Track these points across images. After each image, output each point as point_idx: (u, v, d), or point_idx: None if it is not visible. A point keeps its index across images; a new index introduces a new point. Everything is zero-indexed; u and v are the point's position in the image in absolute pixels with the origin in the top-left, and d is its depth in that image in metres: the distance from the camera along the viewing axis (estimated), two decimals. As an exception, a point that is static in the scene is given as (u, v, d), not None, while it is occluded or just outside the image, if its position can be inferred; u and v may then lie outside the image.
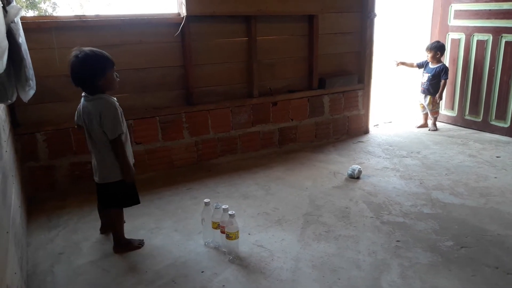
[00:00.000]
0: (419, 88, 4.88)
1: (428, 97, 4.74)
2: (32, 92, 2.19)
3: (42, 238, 2.57)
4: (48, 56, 3.07)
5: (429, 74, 4.69)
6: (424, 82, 4.74)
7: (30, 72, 2.11)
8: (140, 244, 2.46)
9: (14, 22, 1.86)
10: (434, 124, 4.81)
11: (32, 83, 2.16)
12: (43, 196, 3.14)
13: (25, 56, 2.00)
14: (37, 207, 2.99)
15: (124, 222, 2.49)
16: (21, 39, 1.99)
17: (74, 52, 2.18)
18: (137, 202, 2.42)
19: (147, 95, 3.51)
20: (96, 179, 2.35)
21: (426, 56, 4.74)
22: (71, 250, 2.44)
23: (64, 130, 3.21)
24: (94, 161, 2.35)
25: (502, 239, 2.45)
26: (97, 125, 2.20)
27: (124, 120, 2.31)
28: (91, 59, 2.17)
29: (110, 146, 2.23)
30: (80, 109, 2.31)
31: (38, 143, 3.14)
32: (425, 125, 4.91)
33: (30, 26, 2.92)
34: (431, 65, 4.70)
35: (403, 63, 4.92)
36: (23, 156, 3.10)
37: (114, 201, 2.37)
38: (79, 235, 2.61)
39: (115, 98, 2.32)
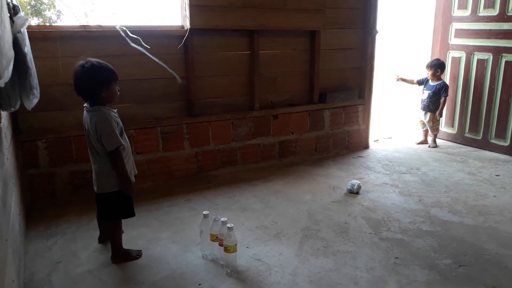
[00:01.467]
0: (419, 105, 4.91)
1: (429, 114, 4.77)
2: (36, 101, 2.22)
3: (40, 246, 2.57)
4: (52, 64, 3.10)
5: (429, 91, 4.72)
6: (424, 99, 4.78)
7: (35, 81, 2.14)
8: (138, 254, 2.46)
9: (21, 32, 1.89)
10: (434, 141, 4.83)
11: (36, 91, 2.18)
12: (42, 204, 3.14)
13: (30, 66, 2.03)
14: (36, 214, 2.99)
15: (123, 232, 2.50)
16: (27, 48, 2.02)
17: (81, 62, 2.20)
18: (131, 215, 2.42)
19: (149, 106, 3.53)
20: (95, 188, 2.37)
21: (426, 74, 4.78)
22: (69, 259, 2.43)
23: (66, 138, 3.22)
24: (94, 171, 2.36)
25: (500, 258, 2.44)
26: (95, 136, 2.22)
27: (124, 132, 2.34)
28: (97, 70, 2.19)
29: (108, 157, 2.24)
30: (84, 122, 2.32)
31: (39, 151, 3.15)
32: (425, 141, 4.93)
33: (35, 35, 2.96)
34: (431, 83, 4.74)
35: (403, 80, 4.96)
36: (24, 163, 3.11)
37: (111, 211, 2.38)
38: (78, 244, 2.60)
39: (115, 110, 2.35)
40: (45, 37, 3.05)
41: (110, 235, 2.48)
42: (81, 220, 2.92)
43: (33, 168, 3.16)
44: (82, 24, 3.24)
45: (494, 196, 3.36)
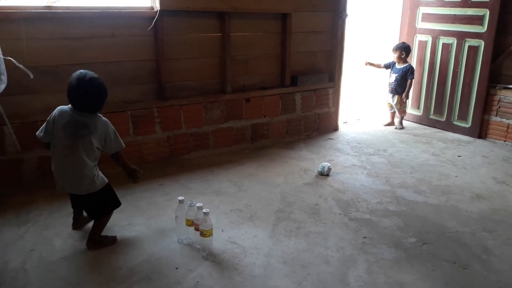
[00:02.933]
0: (386, 88, 5.04)
1: (396, 96, 4.91)
2: (3, 87, 2.16)
3: (12, 234, 2.53)
4: (16, 47, 2.97)
5: (396, 74, 4.85)
6: (392, 82, 4.91)
7: (2, 67, 2.06)
8: (113, 240, 2.47)
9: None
10: (401, 123, 4.99)
11: (4, 77, 2.12)
12: (10, 191, 3.07)
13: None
14: (4, 202, 2.92)
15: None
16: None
17: (86, 74, 2.26)
18: (119, 204, 2.50)
19: (118, 89, 3.46)
20: (74, 191, 2.37)
21: (392, 56, 4.90)
22: (43, 246, 2.41)
23: (32, 123, 3.12)
24: (65, 173, 2.30)
25: (460, 235, 2.61)
26: (97, 141, 2.30)
27: None
28: (104, 86, 2.34)
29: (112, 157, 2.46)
30: (61, 123, 2.27)
31: (5, 136, 3.06)
32: (392, 123, 5.09)
33: (-2, 16, 2.83)
34: (397, 66, 4.87)
35: (371, 64, 5.07)
36: (-11, 149, 3.02)
37: (101, 208, 2.41)
38: (50, 231, 2.58)
39: None
40: (8, 18, 2.92)
41: (98, 227, 2.42)
42: (52, 206, 2.88)
43: (-1, 154, 3.07)
44: (47, 4, 3.10)
45: (456, 176, 3.54)
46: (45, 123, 2.35)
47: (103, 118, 2.37)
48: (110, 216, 2.48)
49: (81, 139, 2.26)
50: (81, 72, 2.27)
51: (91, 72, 2.30)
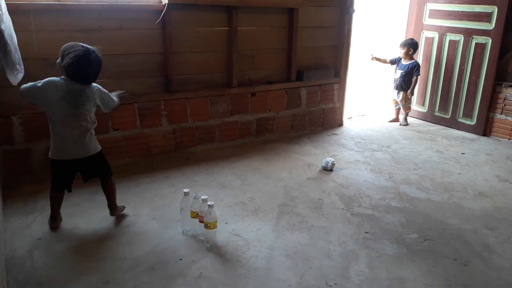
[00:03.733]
0: (392, 84, 5.04)
1: (401, 93, 4.91)
2: (21, 76, 2.20)
3: (20, 223, 2.58)
4: (26, 38, 3.01)
5: (402, 71, 4.85)
6: (397, 79, 4.90)
7: (17, 56, 2.11)
8: (123, 207, 2.78)
9: (-3, 8, 1.84)
10: (405, 119, 5.00)
11: (20, 67, 2.15)
12: (18, 180, 3.11)
13: (8, 41, 1.99)
14: (13, 191, 2.97)
15: None
16: (4, 25, 1.97)
17: (89, 48, 2.36)
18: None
19: (125, 82, 3.49)
20: (85, 154, 2.47)
21: (399, 52, 4.89)
22: (50, 235, 2.46)
23: (41, 114, 3.14)
24: (74, 140, 2.41)
25: (462, 233, 2.63)
26: (94, 104, 2.45)
27: None
28: (100, 58, 2.43)
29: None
30: (59, 95, 2.34)
31: (13, 127, 3.11)
32: (396, 119, 5.10)
33: (8, 7, 2.83)
34: (403, 62, 4.87)
35: (377, 59, 5.06)
36: (-2, 139, 3.07)
37: (108, 166, 2.63)
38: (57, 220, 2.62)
39: None
40: (18, 9, 2.94)
41: (114, 194, 2.68)
42: (60, 196, 2.92)
43: (8, 144, 3.11)
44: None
45: (459, 173, 3.56)
46: (31, 85, 2.33)
47: (93, 84, 2.47)
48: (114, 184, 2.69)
49: (82, 106, 2.39)
50: (83, 45, 2.36)
51: (88, 46, 2.39)
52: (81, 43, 2.37)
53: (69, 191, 2.59)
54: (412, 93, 4.91)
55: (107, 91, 2.54)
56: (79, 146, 2.44)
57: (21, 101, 3.06)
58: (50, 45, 3.12)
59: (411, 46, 4.79)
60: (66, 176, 2.52)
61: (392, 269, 2.25)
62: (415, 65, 4.80)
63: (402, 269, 2.25)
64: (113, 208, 2.68)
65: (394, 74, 4.97)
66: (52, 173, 2.50)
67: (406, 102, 4.94)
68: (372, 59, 5.06)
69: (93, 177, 2.60)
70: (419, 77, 4.83)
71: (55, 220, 2.56)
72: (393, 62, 5.01)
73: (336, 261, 2.31)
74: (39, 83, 2.35)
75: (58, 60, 2.39)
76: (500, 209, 2.95)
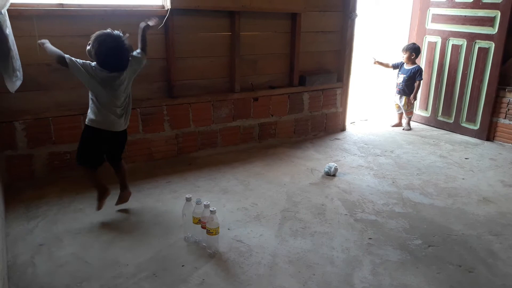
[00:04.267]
0: (394, 89, 5.03)
1: (404, 97, 4.90)
2: (19, 83, 2.20)
3: (21, 229, 2.57)
4: (29, 44, 3.01)
5: (404, 75, 4.84)
6: (400, 83, 4.89)
7: (18, 63, 2.11)
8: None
9: (1, 14, 1.85)
10: (408, 124, 4.98)
11: (20, 74, 2.16)
12: (20, 186, 3.12)
13: (12, 47, 1.99)
14: (15, 196, 2.97)
15: None
16: (8, 30, 1.98)
17: (116, 33, 2.47)
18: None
19: (128, 87, 3.50)
20: (123, 127, 2.66)
21: (402, 57, 4.88)
22: (52, 241, 2.45)
23: (44, 119, 3.18)
24: (119, 114, 2.60)
25: (466, 239, 2.60)
26: (130, 80, 2.62)
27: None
28: (128, 46, 2.56)
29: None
30: (98, 79, 2.48)
31: (16, 132, 3.11)
32: (399, 124, 5.08)
33: (11, 13, 2.83)
34: (406, 66, 4.86)
35: (380, 63, 5.05)
36: (1, 144, 3.07)
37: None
38: (59, 226, 2.62)
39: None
40: (21, 15, 2.95)
41: (126, 173, 2.84)
42: (62, 201, 2.92)
43: (10, 149, 3.11)
44: (60, 2, 3.13)
45: (463, 179, 3.54)
46: (73, 60, 2.44)
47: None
48: None
49: (119, 87, 2.54)
50: (113, 36, 2.45)
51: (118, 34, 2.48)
52: (111, 33, 2.46)
53: (101, 164, 2.71)
54: (415, 98, 4.89)
55: (133, 54, 2.64)
56: (119, 121, 2.60)
57: (23, 107, 3.11)
58: (53, 51, 3.14)
59: (413, 50, 4.78)
60: (101, 150, 2.66)
61: (396, 275, 2.23)
62: (417, 70, 4.79)
63: (406, 275, 2.23)
64: (126, 186, 2.83)
65: (397, 78, 4.96)
66: (88, 147, 2.61)
67: (409, 107, 4.93)
68: (375, 63, 5.05)
69: (117, 154, 2.75)
70: (421, 81, 4.82)
71: (103, 196, 2.72)
72: (395, 66, 5.00)
73: (339, 267, 2.29)
74: (79, 61, 2.45)
75: (88, 48, 2.49)
76: (504, 214, 2.93)
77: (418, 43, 4.90)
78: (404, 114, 5.01)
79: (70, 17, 3.14)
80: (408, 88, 4.84)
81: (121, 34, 2.49)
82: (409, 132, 4.87)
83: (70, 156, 3.30)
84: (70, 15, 3.13)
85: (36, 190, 3.08)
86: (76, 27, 3.16)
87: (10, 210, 2.79)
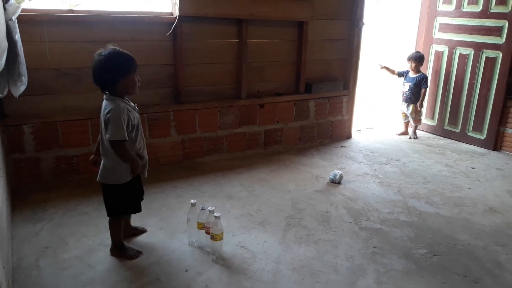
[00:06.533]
0: (400, 97, 5.03)
1: (411, 105, 4.89)
2: (23, 88, 2.22)
3: (27, 231, 2.59)
4: (39, 49, 3.07)
5: (410, 83, 4.84)
6: (406, 91, 4.89)
7: (23, 68, 2.14)
8: (136, 255, 2.37)
9: (12, 20, 1.88)
10: (415, 132, 4.97)
11: (25, 79, 2.19)
12: (27, 189, 3.15)
13: (20, 53, 2.03)
14: (21, 199, 3.00)
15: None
16: (17, 36, 2.01)
17: (100, 50, 2.12)
18: (134, 210, 2.45)
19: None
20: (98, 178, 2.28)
21: (408, 66, 4.88)
22: (57, 244, 2.47)
23: (52, 123, 3.21)
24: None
25: (472, 249, 2.58)
26: (104, 125, 2.16)
27: (140, 128, 2.30)
28: (114, 58, 2.11)
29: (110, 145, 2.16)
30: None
31: (24, 135, 3.14)
32: (405, 133, 5.07)
33: (22, 18, 2.88)
34: (411, 75, 4.86)
35: (387, 68, 5.05)
36: (9, 147, 3.10)
37: (109, 205, 2.31)
38: (65, 229, 2.63)
39: (134, 105, 2.29)
40: (32, 20, 3.00)
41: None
42: (68, 205, 2.95)
43: (18, 152, 3.15)
44: (70, 8, 3.18)
45: (469, 188, 3.51)
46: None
47: (117, 101, 2.14)
48: (117, 221, 2.40)
49: (101, 126, 2.22)
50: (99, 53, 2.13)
51: (111, 46, 2.16)
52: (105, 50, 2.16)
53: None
54: (421, 105, 4.89)
55: (115, 119, 2.10)
56: (100, 169, 2.29)
57: (31, 111, 3.15)
58: (62, 56, 3.19)
59: (418, 59, 4.79)
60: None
61: (401, 285, 2.21)
62: (423, 78, 4.79)
63: (411, 285, 2.22)
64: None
65: (403, 87, 4.96)
66: (126, 197, 2.32)
67: (416, 115, 4.92)
68: (382, 68, 5.05)
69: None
70: (427, 89, 4.81)
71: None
72: (400, 74, 5.00)
73: (343, 275, 2.28)
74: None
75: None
76: (511, 225, 2.90)
77: (424, 52, 4.90)
78: (411, 122, 5.00)
79: (80, 23, 3.18)
80: (414, 96, 4.84)
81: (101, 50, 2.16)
82: (415, 140, 4.86)
83: (77, 160, 3.33)
84: (80, 21, 3.18)
85: (42, 193, 3.10)
86: (85, 33, 3.20)
87: (17, 212, 2.82)
